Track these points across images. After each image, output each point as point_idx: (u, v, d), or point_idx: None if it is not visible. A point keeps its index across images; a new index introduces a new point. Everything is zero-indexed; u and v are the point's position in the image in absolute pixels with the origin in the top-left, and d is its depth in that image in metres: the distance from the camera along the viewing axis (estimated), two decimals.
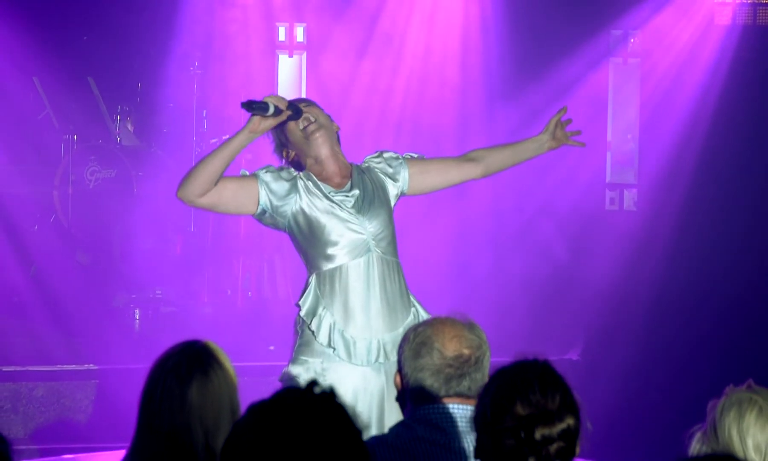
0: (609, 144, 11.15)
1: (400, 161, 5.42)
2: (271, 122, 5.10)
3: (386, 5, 11.04)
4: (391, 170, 5.38)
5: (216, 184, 5.02)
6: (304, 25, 11.12)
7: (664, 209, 10.71)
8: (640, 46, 11.05)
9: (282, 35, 11.15)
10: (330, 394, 2.28)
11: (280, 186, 5.13)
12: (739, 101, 10.67)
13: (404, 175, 5.39)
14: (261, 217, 5.15)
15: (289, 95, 10.78)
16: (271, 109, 5.05)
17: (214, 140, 10.82)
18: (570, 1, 10.70)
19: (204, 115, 10.85)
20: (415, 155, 5.49)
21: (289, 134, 5.27)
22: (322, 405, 2.27)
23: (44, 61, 11.26)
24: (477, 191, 10.97)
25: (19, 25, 10.98)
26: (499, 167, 5.55)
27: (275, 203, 5.12)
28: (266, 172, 5.15)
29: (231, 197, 5.07)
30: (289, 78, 11.16)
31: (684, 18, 10.91)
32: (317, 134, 5.23)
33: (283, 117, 5.11)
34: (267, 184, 5.11)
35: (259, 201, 5.10)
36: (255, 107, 5.04)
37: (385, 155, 5.44)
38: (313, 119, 5.23)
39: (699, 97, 10.79)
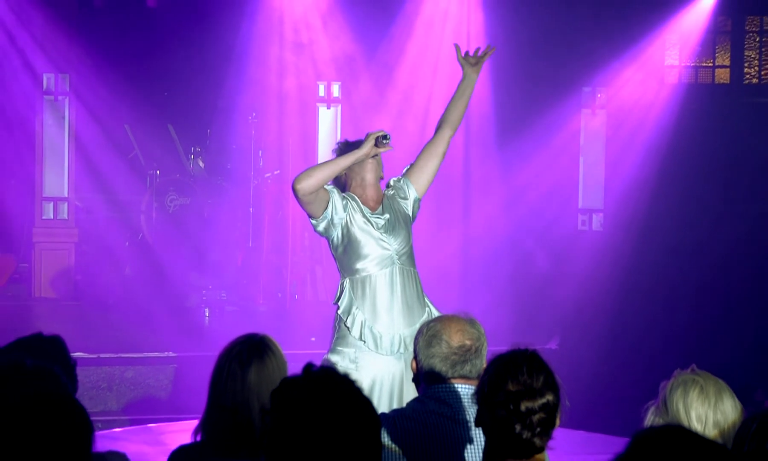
0: (580, 177, 11.14)
1: (402, 179, 5.40)
2: (378, 151, 5.11)
3: (407, 68, 11.10)
4: (402, 192, 5.37)
5: None
6: (340, 83, 11.15)
7: (625, 229, 10.74)
8: (606, 100, 11.07)
9: (322, 91, 11.18)
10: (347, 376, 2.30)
11: (339, 204, 5.12)
12: (685, 143, 10.70)
13: (411, 187, 5.37)
14: (319, 223, 5.11)
15: (327, 141, 10.95)
16: (388, 144, 5.09)
17: (268, 175, 10.85)
18: (548, 64, 10.71)
19: (260, 154, 10.86)
20: (408, 166, 5.46)
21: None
22: (341, 376, 2.29)
23: (133, 111, 11.34)
24: (478, 216, 10.98)
25: (113, 83, 11.06)
26: (458, 117, 5.42)
27: (334, 216, 5.11)
28: (333, 188, 5.14)
29: (319, 200, 5.05)
30: (327, 126, 11.19)
31: (640, 78, 10.96)
32: (371, 161, 5.21)
33: (387, 149, 5.12)
34: (334, 200, 5.10)
35: (326, 209, 5.09)
36: (385, 140, 5.06)
37: (391, 182, 5.40)
38: (375, 155, 5.20)
39: (653, 141, 10.84)
